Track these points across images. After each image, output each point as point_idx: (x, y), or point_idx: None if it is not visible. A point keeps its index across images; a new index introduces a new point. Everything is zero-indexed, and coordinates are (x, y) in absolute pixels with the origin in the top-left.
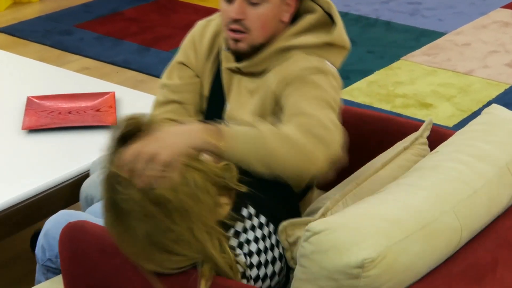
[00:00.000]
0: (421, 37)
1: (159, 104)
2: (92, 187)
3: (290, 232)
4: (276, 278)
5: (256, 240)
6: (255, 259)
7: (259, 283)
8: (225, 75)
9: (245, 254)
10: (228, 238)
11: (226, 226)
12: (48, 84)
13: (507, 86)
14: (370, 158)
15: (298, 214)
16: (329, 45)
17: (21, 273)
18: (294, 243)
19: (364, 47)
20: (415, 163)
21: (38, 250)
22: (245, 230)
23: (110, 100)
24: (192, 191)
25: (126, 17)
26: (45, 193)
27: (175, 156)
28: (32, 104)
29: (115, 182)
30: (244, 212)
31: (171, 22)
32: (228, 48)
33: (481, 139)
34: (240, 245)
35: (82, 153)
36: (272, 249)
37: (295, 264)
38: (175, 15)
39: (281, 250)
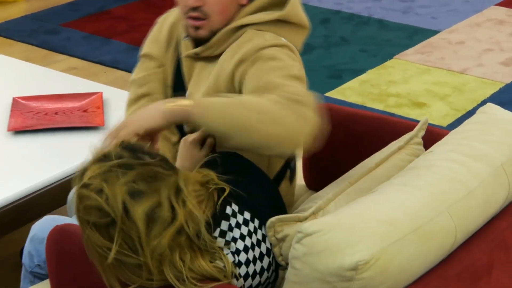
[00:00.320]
0: (414, 35)
1: (130, 102)
2: None
3: (278, 229)
4: (265, 273)
5: (243, 237)
6: (243, 257)
7: (249, 280)
8: (185, 64)
9: (232, 253)
10: (215, 239)
11: (210, 227)
12: (34, 84)
13: (502, 85)
14: (362, 158)
15: (282, 206)
16: (283, 22)
17: (7, 278)
18: (282, 239)
19: (356, 46)
20: (409, 163)
21: (25, 257)
22: (230, 229)
23: (97, 101)
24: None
25: (114, 15)
26: (31, 195)
27: (151, 127)
28: (18, 105)
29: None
30: (228, 210)
31: None
32: (187, 36)
33: (476, 138)
34: (227, 244)
35: (69, 155)
36: (259, 244)
37: (283, 260)
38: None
39: (268, 245)
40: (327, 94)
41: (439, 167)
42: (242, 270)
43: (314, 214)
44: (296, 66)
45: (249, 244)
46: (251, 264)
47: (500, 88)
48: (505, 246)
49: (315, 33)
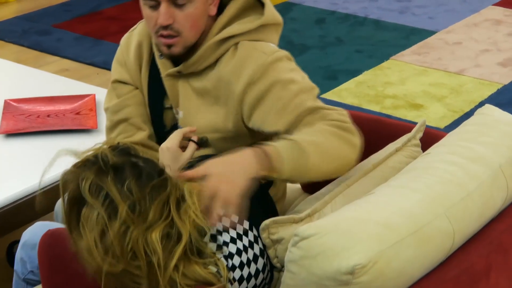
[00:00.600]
0: (411, 35)
1: (107, 130)
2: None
3: (273, 230)
4: (261, 275)
5: (234, 240)
6: (236, 260)
7: (244, 283)
8: (167, 83)
9: (225, 257)
10: (206, 245)
11: (201, 233)
12: (26, 86)
13: (500, 86)
14: (359, 161)
15: (271, 204)
16: (263, 26)
17: None
18: (277, 241)
19: (352, 46)
20: (407, 165)
21: (17, 265)
22: (220, 233)
23: (90, 103)
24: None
25: (106, 16)
26: (23, 199)
27: (239, 195)
28: (10, 108)
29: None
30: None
31: None
32: (161, 55)
33: (474, 140)
34: (219, 248)
35: (61, 158)
36: (251, 246)
37: (279, 263)
38: None
39: (261, 246)
40: (323, 96)
41: (437, 169)
42: (237, 273)
43: (309, 216)
44: (305, 77)
45: (241, 247)
46: (245, 266)
47: (498, 89)
48: (503, 249)
49: (310, 33)
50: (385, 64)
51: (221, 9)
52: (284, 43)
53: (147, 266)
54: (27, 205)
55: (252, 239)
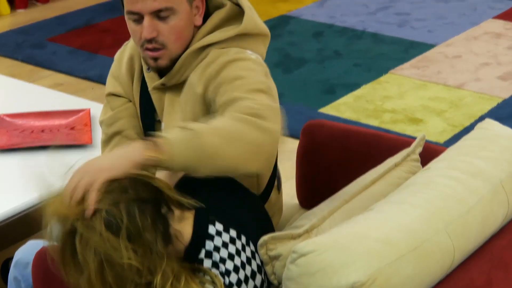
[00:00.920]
0: (410, 49)
1: (103, 143)
2: None
3: (271, 246)
4: None
5: (231, 257)
6: (233, 278)
7: None
8: (154, 96)
9: (222, 274)
10: (201, 262)
11: (195, 249)
12: (19, 101)
13: (500, 100)
14: (357, 176)
15: (267, 219)
16: (244, 35)
17: None
18: (275, 257)
19: (350, 60)
20: (406, 180)
21: (11, 284)
22: (217, 249)
23: (85, 118)
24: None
25: (101, 29)
26: (17, 216)
27: (116, 177)
28: (3, 123)
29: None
30: (211, 229)
31: None
32: (149, 68)
33: (475, 155)
34: (215, 265)
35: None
36: (249, 262)
37: (276, 279)
38: None
39: (258, 262)
40: (321, 110)
41: (437, 184)
42: None
43: (308, 232)
44: (260, 79)
45: (238, 263)
46: (243, 284)
47: (498, 103)
48: (504, 265)
49: (308, 46)
50: (383, 78)
51: (207, 18)
52: (282, 57)
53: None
54: (21, 222)
55: (249, 254)
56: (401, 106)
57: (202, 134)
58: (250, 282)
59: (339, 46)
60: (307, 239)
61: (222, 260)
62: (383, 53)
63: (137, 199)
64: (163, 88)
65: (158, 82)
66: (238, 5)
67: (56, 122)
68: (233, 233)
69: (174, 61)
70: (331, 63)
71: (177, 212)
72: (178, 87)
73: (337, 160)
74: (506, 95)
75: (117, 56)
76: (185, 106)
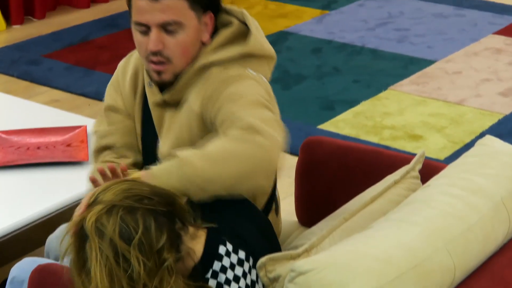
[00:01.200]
0: (409, 65)
1: (94, 153)
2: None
3: (270, 268)
4: None
5: (237, 279)
6: None
7: None
8: (154, 112)
9: None
10: (207, 281)
11: (203, 268)
12: (15, 117)
13: (501, 116)
14: (357, 193)
15: (274, 238)
16: (248, 56)
17: None
18: (275, 279)
19: (349, 76)
20: (406, 198)
21: None
22: (223, 270)
23: (81, 135)
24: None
25: (97, 45)
26: (12, 234)
27: None
28: None
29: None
30: (221, 249)
31: None
32: (151, 82)
33: (475, 172)
34: (220, 286)
35: (52, 191)
36: (253, 285)
37: None
38: None
39: (260, 285)
40: (320, 126)
41: (437, 202)
42: None
43: (307, 251)
44: (260, 93)
45: (243, 286)
46: None
47: (498, 120)
48: (506, 283)
49: (306, 63)
50: (383, 94)
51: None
52: (280, 73)
53: None
54: (17, 240)
55: (254, 278)
56: (400, 122)
57: (188, 162)
58: None
59: (338, 62)
60: (306, 258)
61: (227, 282)
62: (383, 69)
63: (154, 210)
64: (164, 104)
65: (159, 98)
66: (245, 24)
67: (52, 139)
68: (241, 254)
69: (177, 76)
70: (330, 79)
71: (191, 229)
72: (178, 104)
73: (336, 177)
74: (507, 111)
75: (120, 67)
76: (182, 124)
